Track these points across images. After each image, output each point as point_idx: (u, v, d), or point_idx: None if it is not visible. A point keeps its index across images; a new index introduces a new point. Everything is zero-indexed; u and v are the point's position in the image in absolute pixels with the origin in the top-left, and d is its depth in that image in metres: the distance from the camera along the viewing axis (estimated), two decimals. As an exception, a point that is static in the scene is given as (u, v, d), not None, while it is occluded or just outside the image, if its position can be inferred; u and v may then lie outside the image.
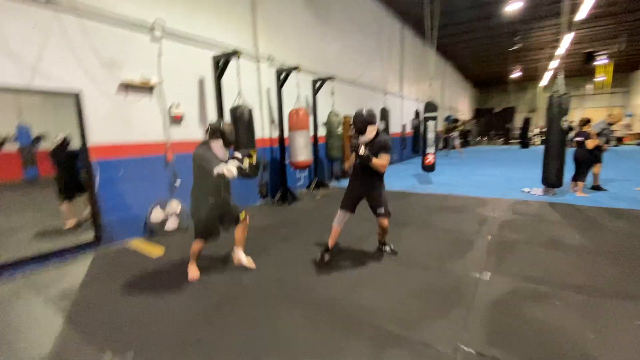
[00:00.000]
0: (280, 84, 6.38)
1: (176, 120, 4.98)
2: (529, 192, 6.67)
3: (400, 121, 14.30)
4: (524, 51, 17.22)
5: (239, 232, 3.35)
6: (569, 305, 2.55)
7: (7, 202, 3.81)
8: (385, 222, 3.46)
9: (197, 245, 3.17)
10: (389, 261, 3.55)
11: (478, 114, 28.21)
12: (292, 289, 2.99)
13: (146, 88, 4.59)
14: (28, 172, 4.86)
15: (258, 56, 6.38)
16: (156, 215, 4.67)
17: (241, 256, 3.44)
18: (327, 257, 3.50)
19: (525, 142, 18.96)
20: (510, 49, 16.03)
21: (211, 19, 5.46)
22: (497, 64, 20.90)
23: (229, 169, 2.65)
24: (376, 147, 3.15)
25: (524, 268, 3.26)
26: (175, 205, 4.84)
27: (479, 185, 7.71)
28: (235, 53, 4.98)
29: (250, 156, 2.89)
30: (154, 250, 4.08)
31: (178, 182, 4.94)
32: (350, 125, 3.49)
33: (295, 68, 6.32)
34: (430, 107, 7.71)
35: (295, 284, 3.09)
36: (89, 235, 4.10)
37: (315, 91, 7.51)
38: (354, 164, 3.41)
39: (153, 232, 4.64)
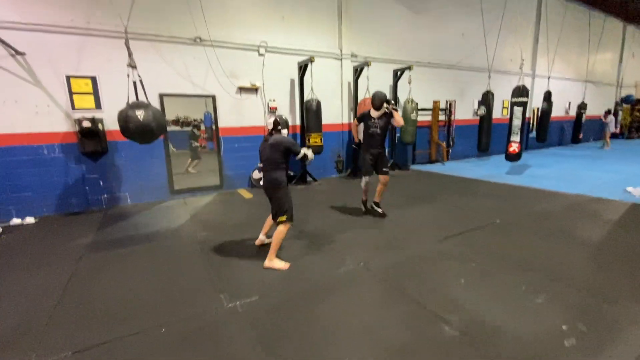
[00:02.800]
0: (357, 77, 7.63)
1: (272, 110, 7.12)
2: (631, 192, 5.68)
3: (530, 104, 12.64)
4: None
5: None
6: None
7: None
8: (387, 178, 4.63)
9: None
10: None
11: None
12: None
13: (253, 89, 6.86)
14: (209, 145, 8.19)
15: (342, 55, 7.79)
16: (255, 175, 7.04)
17: None
18: (364, 207, 5.00)
19: None
20: None
21: (302, 33, 7.24)
22: None
23: (310, 153, 3.45)
24: (388, 115, 4.53)
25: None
26: (266, 169, 7.08)
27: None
28: (311, 59, 6.59)
29: (309, 147, 4.47)
30: (248, 195, 6.41)
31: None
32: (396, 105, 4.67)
33: (366, 64, 7.40)
34: (518, 91, 7.20)
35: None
36: (216, 182, 6.81)
37: (396, 80, 8.29)
38: (367, 135, 4.60)
39: (253, 185, 7.04)
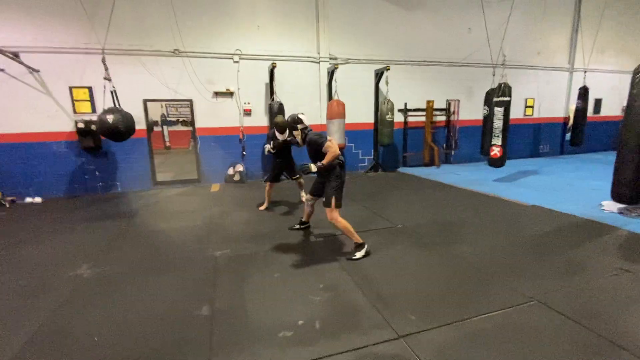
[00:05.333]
0: (330, 78, 7.80)
1: (247, 112, 7.72)
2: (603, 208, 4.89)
3: (567, 101, 11.09)
4: None
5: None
6: None
7: (178, 159, 7.91)
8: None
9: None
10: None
11: None
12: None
13: (229, 93, 7.55)
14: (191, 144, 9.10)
15: (319, 58, 8.01)
16: (229, 171, 7.74)
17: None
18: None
19: None
20: None
21: (278, 39, 7.68)
22: None
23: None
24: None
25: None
26: (239, 167, 7.72)
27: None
28: (273, 64, 7.01)
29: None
30: (215, 189, 7.13)
31: (245, 153, 7.78)
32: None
33: (336, 67, 7.52)
34: (499, 90, 6.55)
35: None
36: (194, 177, 7.70)
37: (378, 80, 8.20)
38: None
39: (226, 180, 7.76)
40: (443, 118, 9.64)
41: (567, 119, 11.25)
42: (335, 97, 7.63)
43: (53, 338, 2.26)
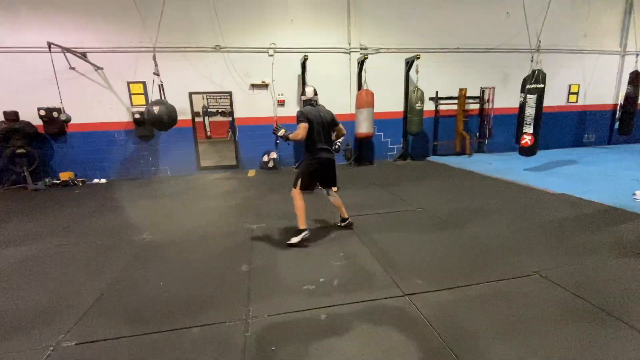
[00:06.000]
0: (360, 69, 8.04)
1: (280, 103, 8.22)
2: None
3: (617, 87, 10.36)
4: None
5: None
6: None
7: (218, 147, 8.70)
8: None
9: None
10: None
11: None
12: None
13: (264, 85, 8.08)
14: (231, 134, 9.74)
15: (350, 49, 8.27)
16: (264, 158, 8.34)
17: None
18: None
19: None
20: None
21: (310, 32, 8.04)
22: None
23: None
24: None
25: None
26: (273, 154, 8.29)
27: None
28: (305, 57, 7.40)
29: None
30: (251, 174, 7.77)
31: (278, 141, 8.32)
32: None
33: (366, 57, 7.73)
34: (532, 76, 6.42)
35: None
36: (233, 163, 8.39)
37: (408, 69, 8.29)
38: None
39: (261, 167, 8.37)
40: (476, 106, 9.49)
41: (616, 106, 10.51)
42: (364, 87, 7.88)
43: (128, 283, 2.90)
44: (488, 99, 9.36)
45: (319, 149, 3.56)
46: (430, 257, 3.19)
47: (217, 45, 7.67)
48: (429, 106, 8.88)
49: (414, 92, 8.05)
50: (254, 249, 3.48)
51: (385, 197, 5.36)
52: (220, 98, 13.38)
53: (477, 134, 9.65)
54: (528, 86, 6.58)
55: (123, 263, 3.27)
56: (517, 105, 7.71)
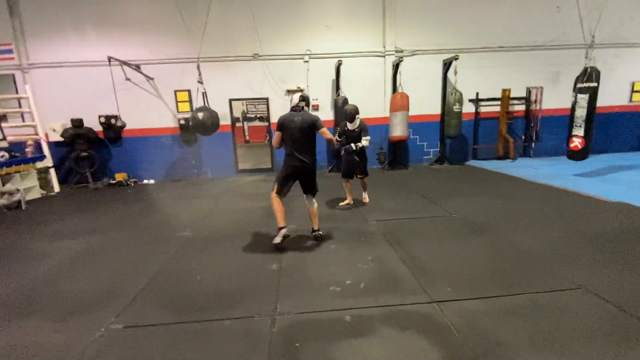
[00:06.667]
0: (394, 72, 7.95)
1: (315, 107, 8.37)
2: None
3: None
4: None
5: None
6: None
7: (256, 151, 9.07)
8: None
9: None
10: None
11: None
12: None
13: (299, 91, 8.26)
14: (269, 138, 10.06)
15: (385, 52, 8.22)
16: (298, 161, 8.53)
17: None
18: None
19: None
20: None
21: (345, 37, 8.12)
22: None
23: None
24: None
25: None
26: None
27: None
28: (340, 62, 7.48)
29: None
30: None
31: (312, 144, 8.47)
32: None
33: (401, 60, 7.62)
34: (584, 75, 5.91)
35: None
36: (269, 166, 8.68)
37: (446, 70, 8.05)
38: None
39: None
40: (522, 107, 8.93)
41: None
42: (399, 90, 7.77)
43: (169, 276, 3.15)
44: (535, 100, 8.78)
45: (289, 154, 3.63)
46: (463, 265, 3.08)
47: (255, 54, 8.02)
48: (468, 108, 8.51)
49: (451, 94, 7.78)
50: (285, 248, 3.60)
51: (418, 202, 5.25)
52: (258, 104, 13.94)
53: (523, 137, 9.06)
54: (579, 85, 6.09)
55: (166, 257, 3.55)
56: (569, 106, 7.19)
